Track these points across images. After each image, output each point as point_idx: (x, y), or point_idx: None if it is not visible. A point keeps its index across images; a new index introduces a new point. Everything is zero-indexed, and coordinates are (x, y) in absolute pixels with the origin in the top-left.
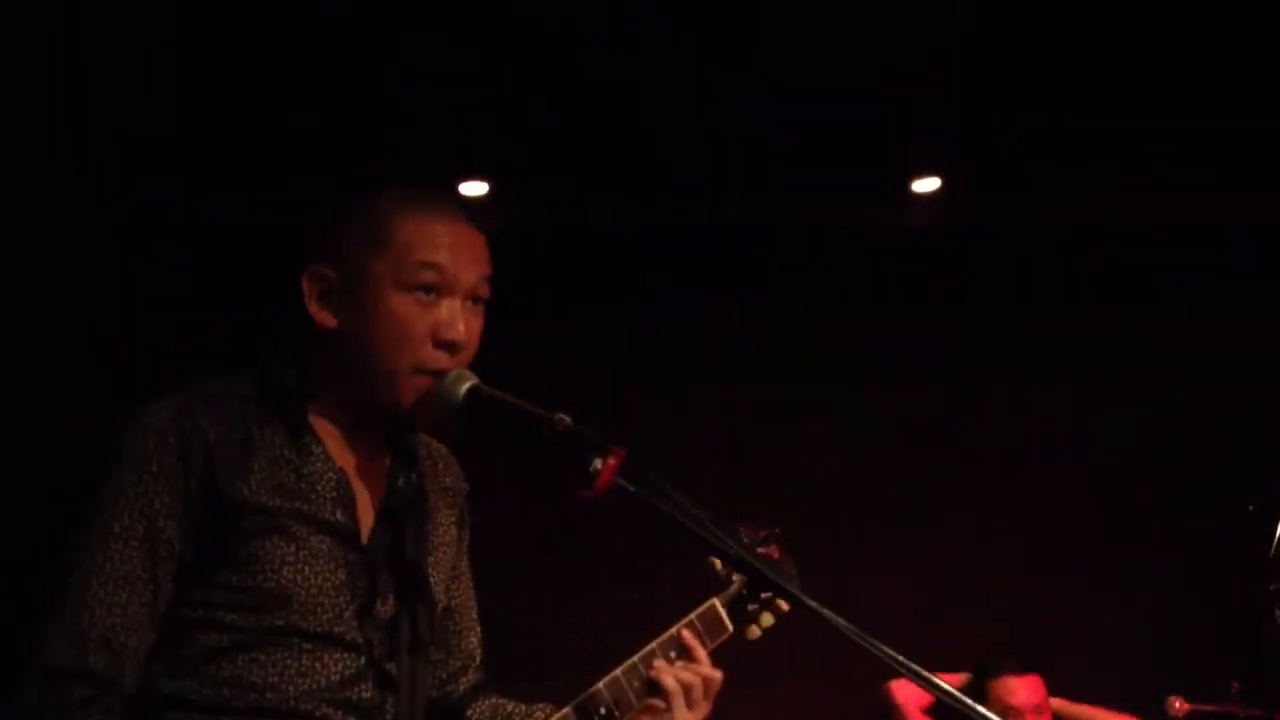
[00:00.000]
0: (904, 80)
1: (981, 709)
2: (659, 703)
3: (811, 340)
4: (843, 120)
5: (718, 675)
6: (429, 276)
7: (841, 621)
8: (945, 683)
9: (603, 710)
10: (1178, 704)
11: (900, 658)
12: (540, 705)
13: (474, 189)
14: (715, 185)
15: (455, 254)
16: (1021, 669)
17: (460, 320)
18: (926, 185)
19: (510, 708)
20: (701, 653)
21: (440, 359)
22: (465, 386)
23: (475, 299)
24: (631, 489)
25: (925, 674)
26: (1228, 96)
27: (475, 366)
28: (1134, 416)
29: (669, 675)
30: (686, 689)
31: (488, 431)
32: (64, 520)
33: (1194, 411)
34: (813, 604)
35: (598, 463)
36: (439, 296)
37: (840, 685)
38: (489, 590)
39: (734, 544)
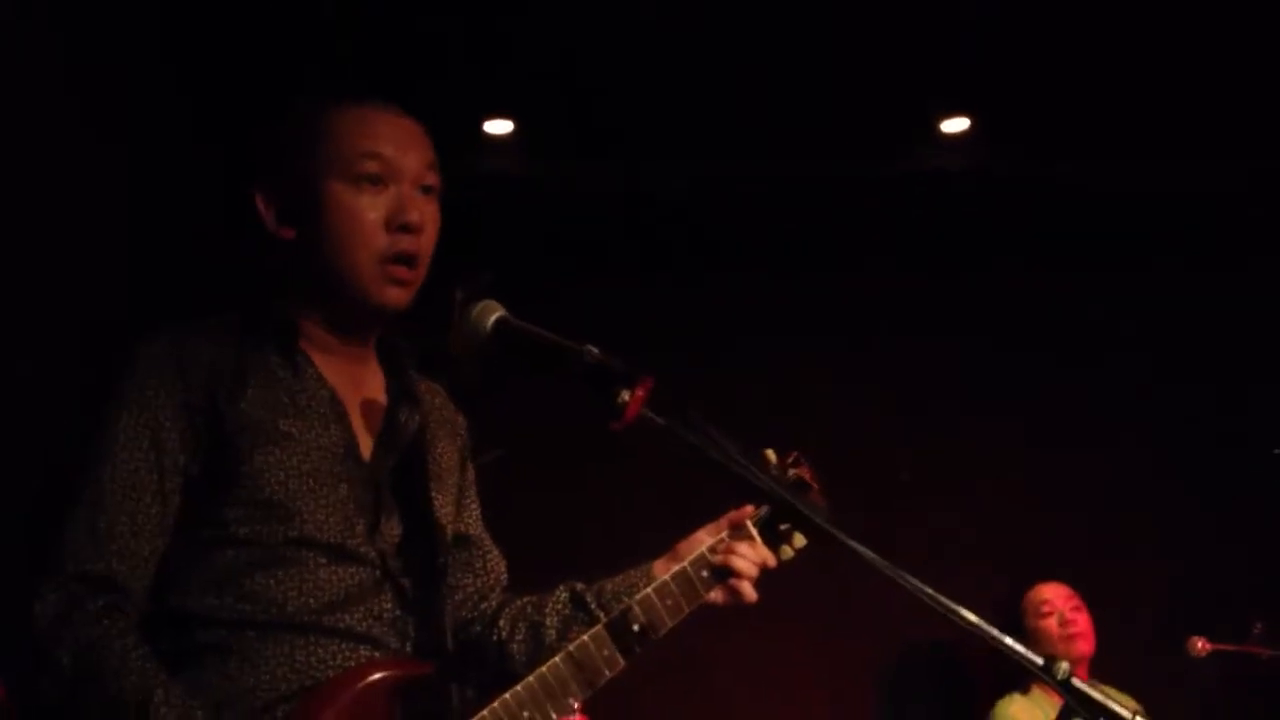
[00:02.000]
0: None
1: (1014, 644)
2: (715, 599)
3: (844, 302)
4: (874, 70)
5: (772, 561)
6: (371, 166)
7: (871, 554)
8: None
9: (636, 627)
10: (1200, 644)
11: (929, 590)
12: (557, 588)
13: (498, 127)
14: (745, 144)
15: (395, 141)
16: (1052, 576)
17: (411, 204)
18: (956, 125)
19: (526, 603)
20: (757, 544)
21: (399, 241)
22: (493, 318)
23: (425, 188)
24: (659, 420)
25: (953, 605)
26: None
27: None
28: (1155, 367)
29: (737, 556)
30: (745, 573)
31: (516, 362)
32: (76, 436)
33: (1218, 361)
34: (844, 537)
35: (625, 394)
36: (385, 185)
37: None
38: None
39: (765, 477)
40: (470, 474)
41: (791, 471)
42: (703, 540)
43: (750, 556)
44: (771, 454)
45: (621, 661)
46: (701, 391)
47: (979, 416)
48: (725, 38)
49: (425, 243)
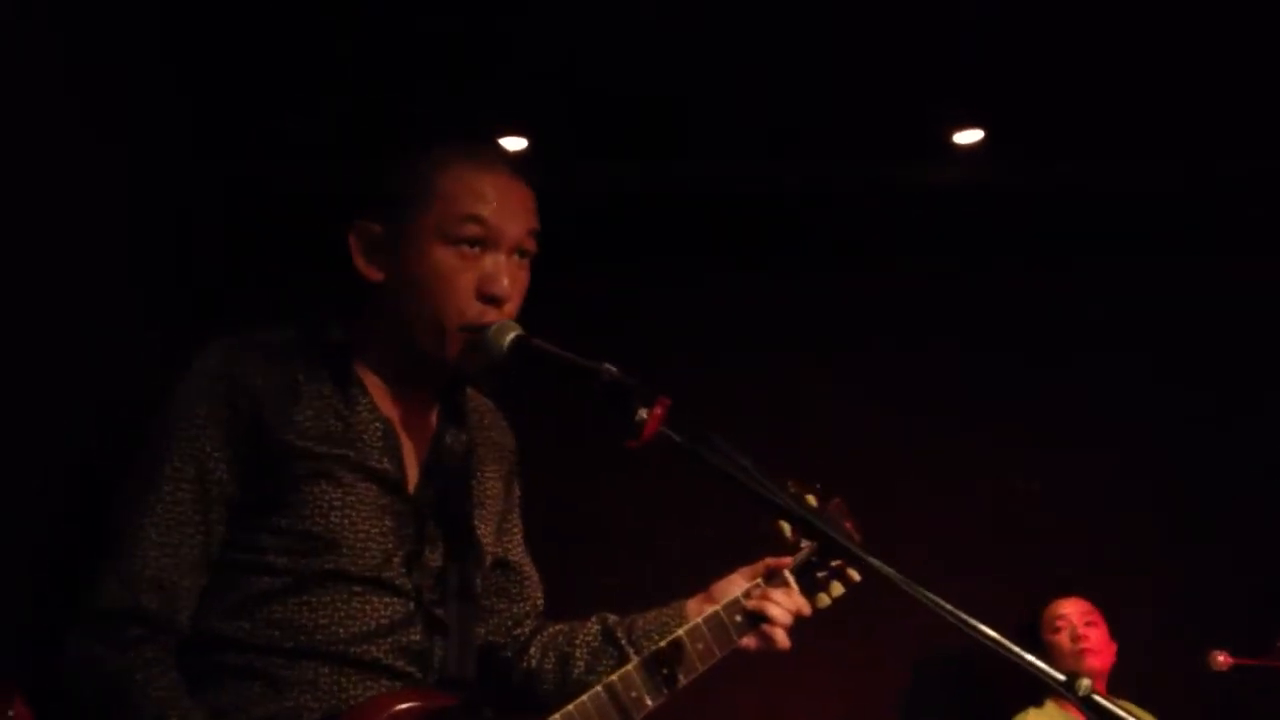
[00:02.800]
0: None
1: (1034, 660)
2: (747, 644)
3: (844, 303)
4: (880, 72)
5: (807, 610)
6: (473, 230)
7: (924, 592)
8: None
9: (664, 670)
10: (1221, 658)
11: (954, 609)
12: (591, 619)
13: (512, 144)
14: (747, 145)
15: (500, 207)
16: (1069, 591)
17: (504, 274)
18: (968, 137)
19: (557, 632)
20: (795, 593)
21: (485, 313)
22: (510, 337)
23: (521, 253)
24: (677, 439)
25: (974, 623)
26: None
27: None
28: (1171, 374)
29: (772, 604)
30: (780, 622)
31: (533, 382)
32: (117, 469)
33: (1235, 368)
34: (891, 572)
35: (643, 412)
36: (483, 250)
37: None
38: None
39: (785, 496)
40: (515, 496)
41: (834, 519)
42: (738, 583)
43: (786, 604)
44: (813, 498)
45: (649, 704)
46: (705, 396)
47: (986, 423)
48: (728, 38)
49: (508, 312)
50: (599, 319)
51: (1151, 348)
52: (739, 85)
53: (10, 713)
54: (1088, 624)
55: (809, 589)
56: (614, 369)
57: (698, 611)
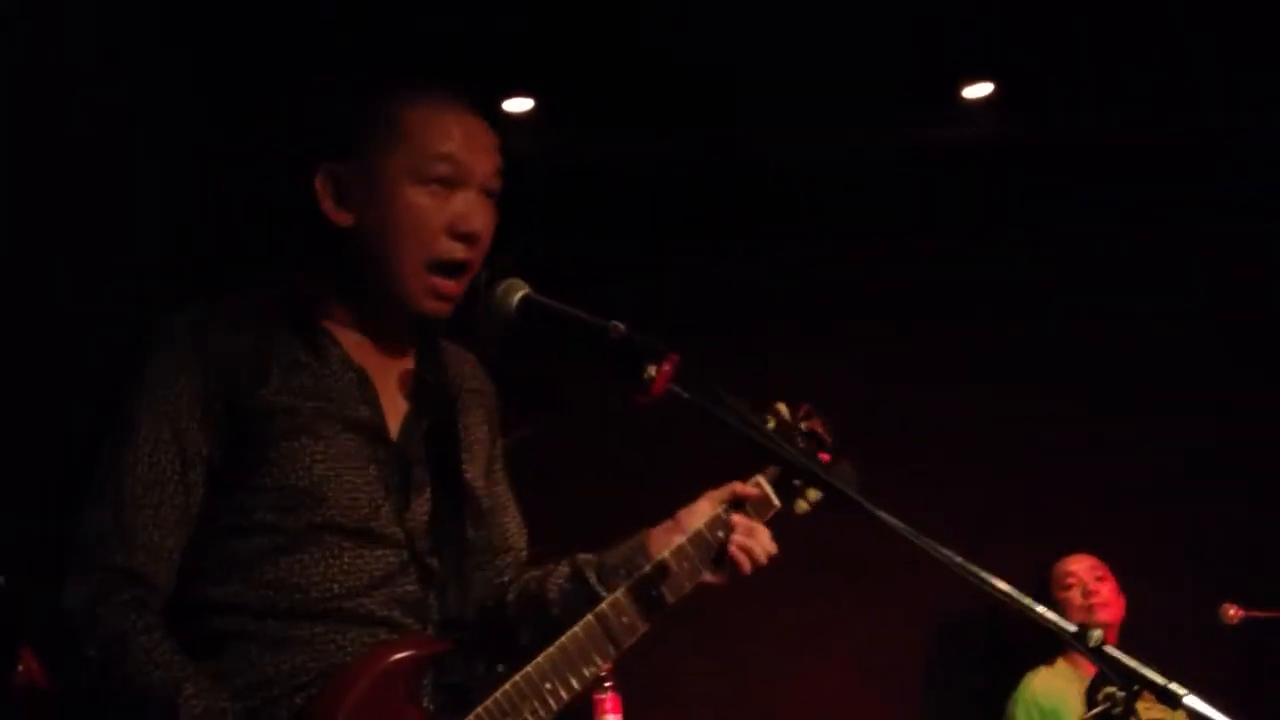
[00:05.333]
0: None
1: (1045, 611)
2: (712, 579)
3: (851, 266)
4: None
5: (767, 535)
6: (443, 169)
7: (934, 545)
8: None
9: (653, 592)
10: (1232, 611)
11: (959, 559)
12: (562, 561)
13: (518, 105)
14: (754, 108)
15: (468, 146)
16: (1078, 548)
17: (475, 212)
18: (978, 91)
19: (531, 577)
20: (756, 525)
21: (455, 250)
22: (518, 296)
23: (488, 192)
24: (686, 395)
25: (984, 574)
26: None
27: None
28: (1181, 328)
29: (736, 550)
30: (747, 551)
31: (542, 340)
32: (99, 420)
33: (1246, 319)
34: (903, 526)
35: (652, 369)
36: (453, 189)
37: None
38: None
39: (794, 451)
40: (499, 444)
41: (804, 424)
42: (705, 509)
43: (764, 544)
44: (783, 407)
45: (641, 627)
46: (720, 362)
47: (1002, 382)
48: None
49: (477, 254)
50: (609, 288)
51: (1163, 303)
52: (741, 47)
53: (19, 668)
54: (1098, 579)
55: (786, 496)
56: (622, 326)
57: (663, 540)
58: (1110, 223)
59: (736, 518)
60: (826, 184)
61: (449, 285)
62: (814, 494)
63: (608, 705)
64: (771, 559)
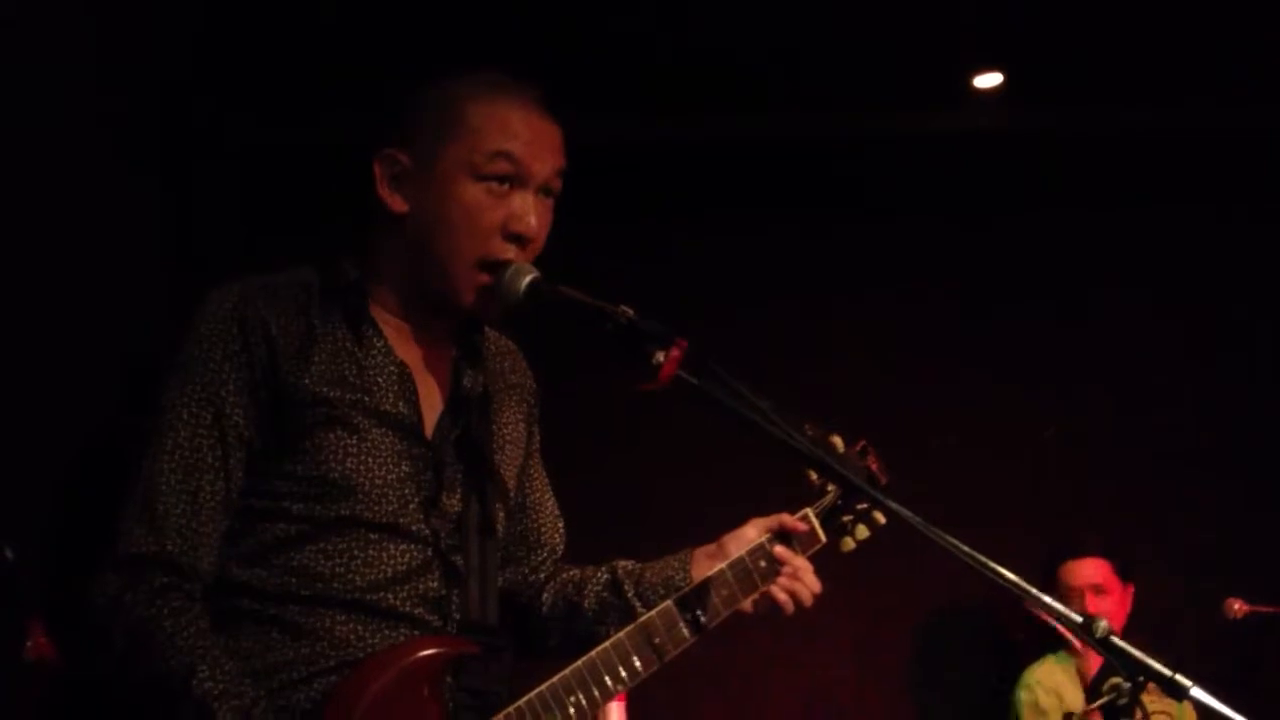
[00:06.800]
0: None
1: (1053, 602)
2: (749, 609)
3: (864, 250)
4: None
5: (810, 570)
6: (503, 166)
7: (946, 537)
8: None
9: (688, 615)
10: (1237, 606)
11: (1004, 571)
12: (601, 567)
13: None
14: (767, 93)
15: (530, 145)
16: (1080, 552)
17: (531, 213)
18: (988, 81)
19: (568, 580)
20: (798, 560)
21: (507, 251)
22: (526, 280)
23: (547, 192)
24: (694, 382)
25: (997, 568)
26: None
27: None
28: (1193, 318)
29: (779, 590)
30: (792, 594)
31: (550, 325)
32: (137, 415)
33: (1256, 311)
34: (912, 516)
35: (660, 355)
36: (512, 188)
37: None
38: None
39: (800, 437)
40: (536, 439)
41: (859, 463)
42: (750, 537)
43: (810, 585)
44: (838, 440)
45: (686, 638)
46: (725, 344)
47: (1011, 373)
48: None
49: (531, 252)
50: (623, 269)
51: (1175, 293)
52: (757, 33)
53: (29, 643)
54: (1097, 592)
55: (834, 532)
56: (630, 311)
57: (705, 564)
58: (1123, 209)
59: (780, 550)
60: (838, 168)
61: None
62: (862, 533)
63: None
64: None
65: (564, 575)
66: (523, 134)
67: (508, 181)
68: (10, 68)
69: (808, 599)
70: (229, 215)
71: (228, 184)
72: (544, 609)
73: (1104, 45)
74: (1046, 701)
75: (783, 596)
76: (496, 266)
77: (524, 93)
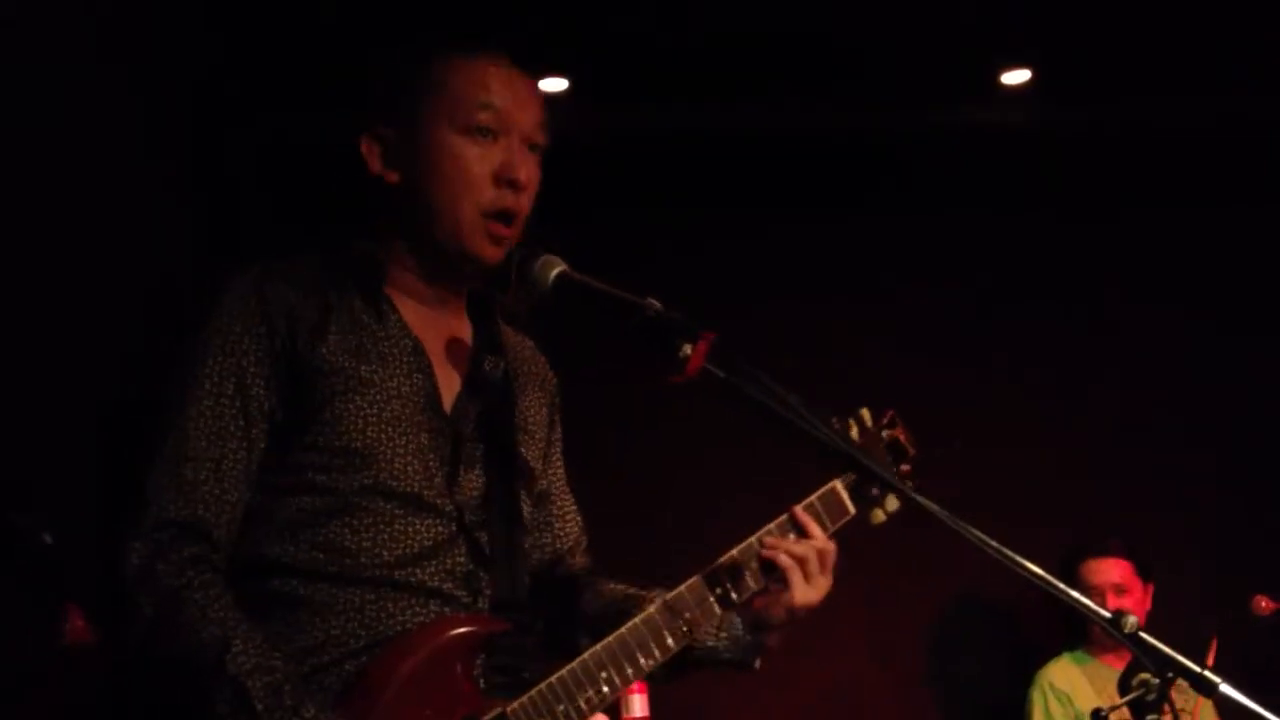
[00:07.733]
0: None
1: (1080, 597)
2: (777, 584)
3: (891, 246)
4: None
5: (831, 547)
6: (484, 117)
7: (967, 527)
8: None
9: (718, 590)
10: (1264, 603)
11: (1028, 563)
12: (656, 589)
13: (551, 85)
14: (786, 87)
15: (509, 95)
16: (1102, 551)
17: (520, 162)
18: (1016, 78)
19: (618, 590)
20: (815, 528)
21: (503, 198)
22: (555, 272)
23: (532, 146)
24: (721, 374)
25: (1025, 562)
26: None
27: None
28: (1217, 318)
29: (781, 552)
30: (801, 562)
31: (577, 316)
32: (160, 384)
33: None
34: (935, 507)
35: (687, 348)
36: (496, 139)
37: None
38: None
39: (827, 431)
40: (558, 431)
41: (886, 433)
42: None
43: (794, 550)
44: (867, 413)
45: (715, 612)
46: (748, 339)
47: (1036, 367)
48: None
49: (526, 201)
50: (649, 263)
51: (1199, 292)
52: (784, 26)
53: (65, 626)
54: (1118, 592)
55: (863, 503)
56: (658, 304)
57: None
58: (1154, 208)
59: (799, 512)
60: (869, 162)
61: (503, 229)
62: (892, 504)
63: (633, 685)
64: (830, 560)
65: (611, 587)
66: (498, 86)
67: (491, 133)
68: (40, 67)
69: (815, 564)
70: (260, 203)
71: (257, 172)
72: (586, 610)
73: (1137, 38)
74: (1056, 709)
75: (786, 562)
76: (501, 215)
77: (497, 49)
